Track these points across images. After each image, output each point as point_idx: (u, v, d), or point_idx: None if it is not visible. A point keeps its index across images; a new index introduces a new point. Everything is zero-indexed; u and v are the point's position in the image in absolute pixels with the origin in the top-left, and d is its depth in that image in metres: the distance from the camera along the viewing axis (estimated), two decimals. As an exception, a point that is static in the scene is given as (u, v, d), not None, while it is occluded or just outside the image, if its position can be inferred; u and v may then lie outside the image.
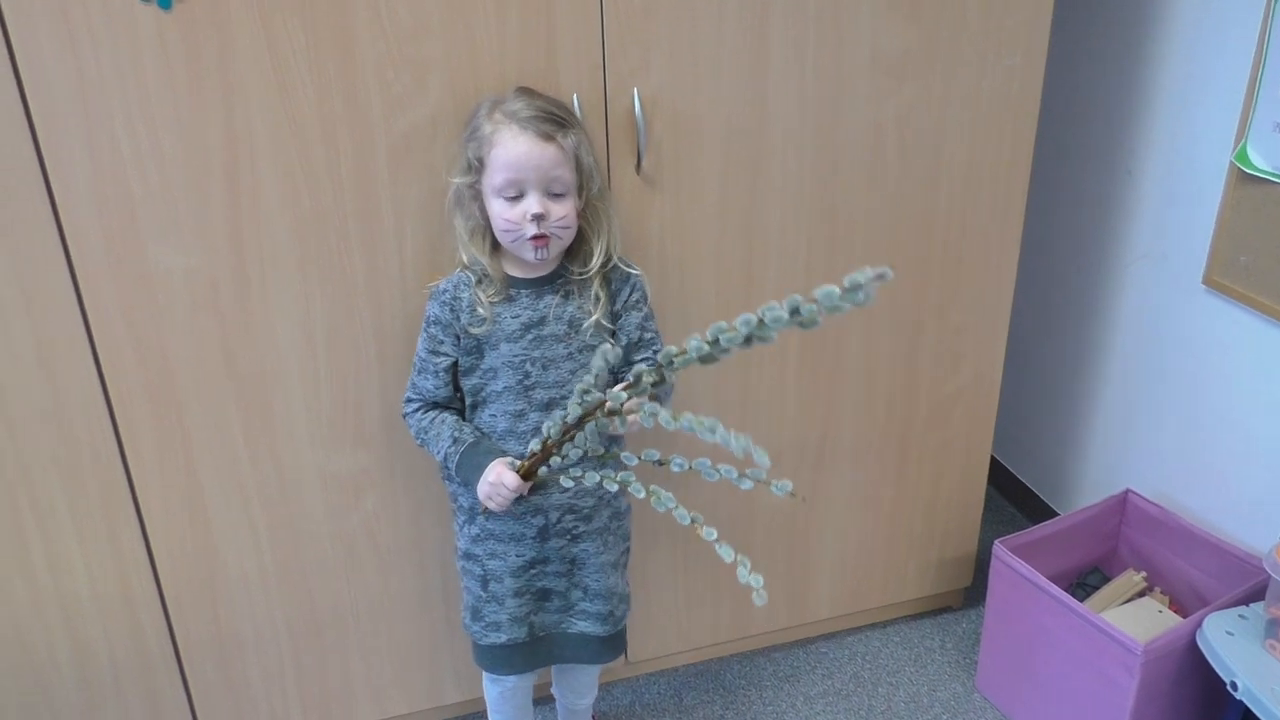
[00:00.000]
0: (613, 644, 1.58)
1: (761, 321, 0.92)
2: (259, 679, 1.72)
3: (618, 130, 1.52)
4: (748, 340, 0.94)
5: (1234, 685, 1.50)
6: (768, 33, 1.53)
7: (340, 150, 1.42)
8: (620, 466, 1.39)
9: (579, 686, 1.75)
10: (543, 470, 1.35)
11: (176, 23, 1.29)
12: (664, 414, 1.08)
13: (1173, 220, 1.89)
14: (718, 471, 1.20)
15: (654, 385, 1.08)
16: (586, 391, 1.18)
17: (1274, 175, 1.63)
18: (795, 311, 0.89)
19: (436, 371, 1.45)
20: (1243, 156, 1.67)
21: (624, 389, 1.12)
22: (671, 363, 1.03)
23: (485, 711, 1.89)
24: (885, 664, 2.04)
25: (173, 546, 1.58)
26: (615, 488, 1.30)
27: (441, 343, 1.43)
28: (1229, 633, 1.58)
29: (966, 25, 1.62)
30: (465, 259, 1.42)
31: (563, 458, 1.32)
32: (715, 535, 1.20)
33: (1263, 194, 1.66)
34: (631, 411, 1.15)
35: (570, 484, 1.34)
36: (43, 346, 1.41)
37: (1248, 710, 1.52)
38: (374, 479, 1.63)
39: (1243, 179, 1.69)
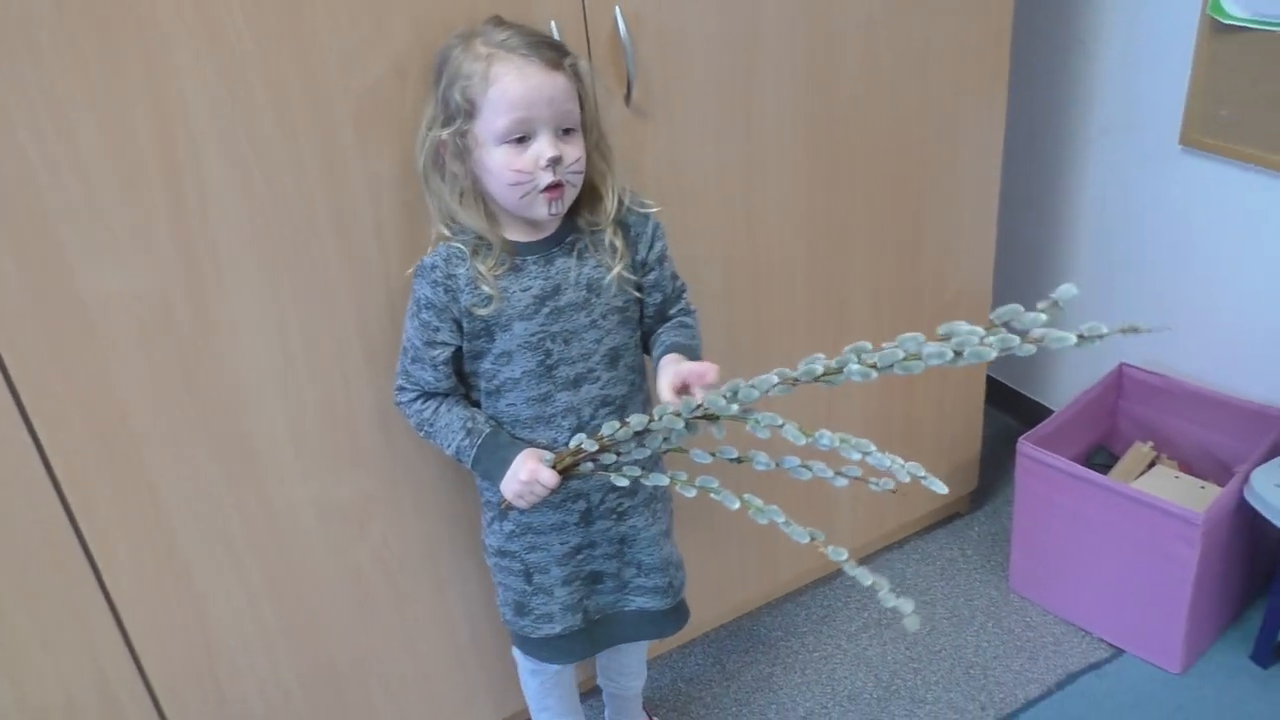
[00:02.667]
0: (675, 615, 1.45)
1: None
2: (276, 750, 1.49)
3: (601, 60, 1.33)
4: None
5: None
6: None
7: (295, 119, 1.17)
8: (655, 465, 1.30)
9: (627, 668, 1.61)
10: (586, 465, 1.20)
11: (74, -18, 1.02)
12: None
13: (1138, 87, 1.85)
14: (809, 469, 1.10)
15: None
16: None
17: (1253, 22, 1.60)
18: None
19: (435, 364, 1.24)
20: (1216, 7, 1.63)
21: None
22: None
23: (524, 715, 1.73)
24: (913, 583, 1.98)
25: (154, 624, 1.32)
26: (693, 493, 1.15)
27: (437, 330, 1.22)
28: (1278, 485, 1.58)
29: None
30: (447, 230, 1.21)
31: (618, 454, 1.18)
32: (863, 572, 1.02)
33: (1241, 43, 1.63)
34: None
35: (624, 483, 1.19)
36: (-42, 415, 1.12)
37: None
38: (378, 501, 1.41)
39: (1217, 31, 1.65)
